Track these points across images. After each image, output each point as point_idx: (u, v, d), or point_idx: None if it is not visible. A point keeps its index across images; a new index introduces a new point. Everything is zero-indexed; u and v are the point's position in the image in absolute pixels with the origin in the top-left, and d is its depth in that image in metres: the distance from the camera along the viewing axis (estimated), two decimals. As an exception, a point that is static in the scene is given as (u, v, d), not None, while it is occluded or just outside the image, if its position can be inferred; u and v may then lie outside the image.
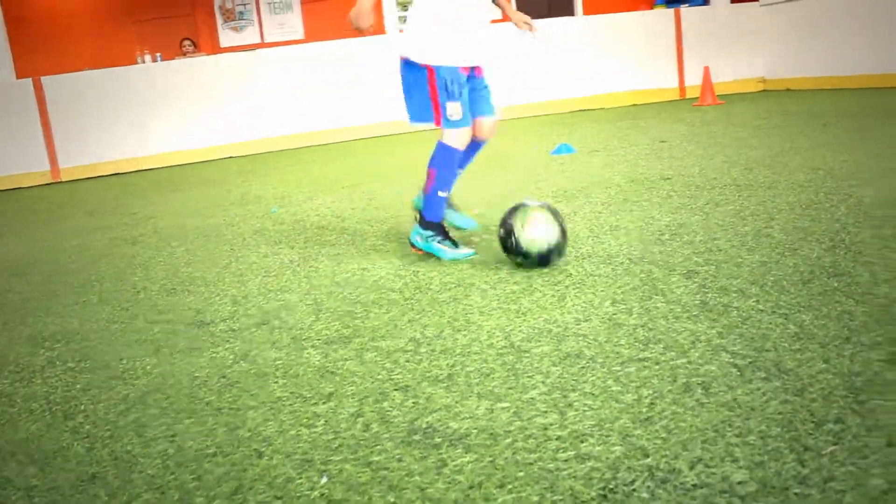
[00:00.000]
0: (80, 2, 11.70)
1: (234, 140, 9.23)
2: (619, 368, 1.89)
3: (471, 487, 1.44)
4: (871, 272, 2.42)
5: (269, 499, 1.49)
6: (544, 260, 2.83)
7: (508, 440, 1.59)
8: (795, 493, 1.32)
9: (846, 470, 1.37)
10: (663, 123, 7.69)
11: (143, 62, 9.87)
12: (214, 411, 1.93)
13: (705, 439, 1.52)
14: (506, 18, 3.48)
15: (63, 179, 8.57)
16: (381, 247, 3.51)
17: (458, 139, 3.11)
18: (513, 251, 2.86)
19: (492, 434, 1.63)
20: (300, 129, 9.49)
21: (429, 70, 3.05)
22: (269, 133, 9.36)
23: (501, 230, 2.89)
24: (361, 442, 1.67)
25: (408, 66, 3.13)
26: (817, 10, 9.89)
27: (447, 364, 2.04)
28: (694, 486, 1.37)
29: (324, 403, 1.89)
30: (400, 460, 1.57)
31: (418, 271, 3.01)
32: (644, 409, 1.67)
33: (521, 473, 1.46)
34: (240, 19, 12.15)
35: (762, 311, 2.19)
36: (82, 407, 2.04)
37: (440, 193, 3.17)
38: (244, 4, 12.12)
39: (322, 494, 1.48)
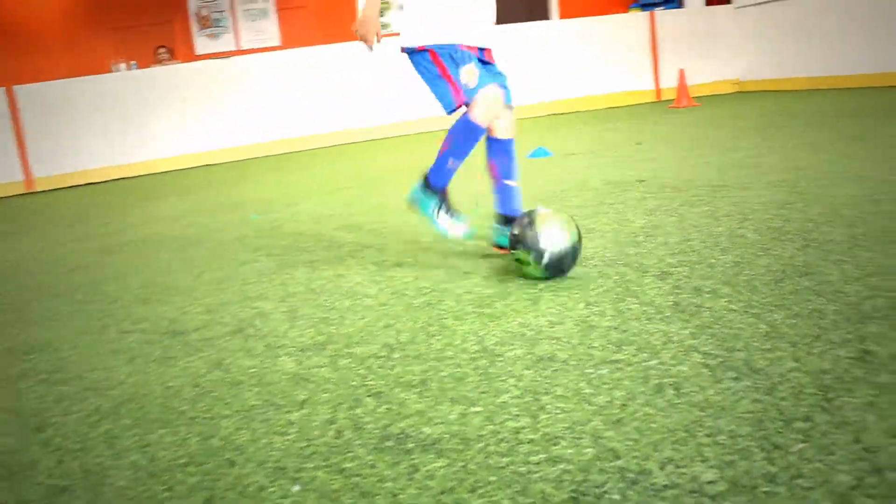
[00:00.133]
0: (54, 10, 11.61)
1: (213, 147, 9.20)
2: (591, 371, 1.90)
3: (442, 492, 1.43)
4: (842, 271, 2.44)
5: (240, 508, 1.48)
6: (559, 263, 2.68)
7: (480, 444, 1.59)
8: (764, 492, 1.33)
9: (814, 467, 1.38)
10: (639, 126, 7.73)
11: (118, 70, 9.81)
12: (187, 421, 1.91)
13: (676, 440, 1.53)
14: None
15: (37, 189, 8.51)
16: (357, 253, 3.51)
17: (485, 111, 2.86)
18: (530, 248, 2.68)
19: (464, 439, 1.63)
20: (279, 135, 9.47)
21: (430, 52, 2.89)
22: (247, 140, 9.35)
23: (517, 229, 2.74)
24: (334, 449, 1.67)
25: (412, 57, 2.97)
26: (790, 13, 9.99)
27: (420, 369, 2.04)
28: (664, 486, 1.38)
29: (297, 411, 1.89)
30: (372, 467, 1.57)
31: (393, 276, 3.01)
32: (616, 411, 1.67)
33: (493, 477, 1.46)
34: (216, 26, 12.11)
35: (734, 310, 2.21)
36: (54, 420, 2.02)
37: (451, 162, 2.98)
38: (220, 12, 12.08)
39: (294, 503, 1.47)
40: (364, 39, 2.87)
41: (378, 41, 2.89)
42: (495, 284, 2.74)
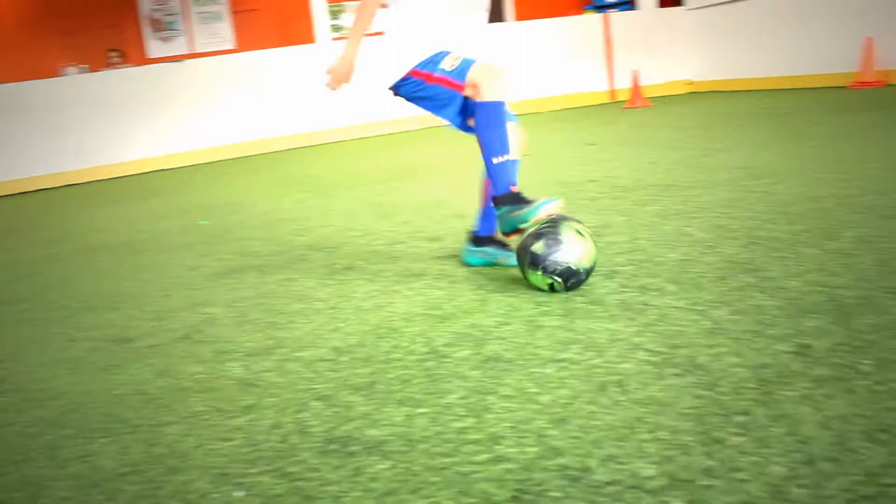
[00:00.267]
0: (0, 13, 11.40)
1: (165, 152, 9.10)
2: (537, 370, 1.91)
3: (385, 494, 1.43)
4: (784, 267, 2.49)
5: (182, 515, 1.47)
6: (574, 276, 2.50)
7: (425, 446, 1.60)
8: (702, 485, 1.35)
9: (750, 459, 1.41)
10: (593, 126, 7.80)
11: (68, 74, 9.65)
12: (131, 429, 1.89)
13: (618, 437, 1.54)
14: None
15: (-15, 197, 8.34)
16: (308, 257, 3.49)
17: (489, 82, 2.62)
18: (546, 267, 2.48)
19: (409, 440, 1.63)
20: (231, 140, 9.39)
21: (413, 73, 2.76)
22: (199, 145, 9.25)
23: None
24: (279, 453, 1.66)
25: (404, 88, 2.82)
26: (741, 14, 10.15)
27: (368, 372, 2.04)
28: (605, 483, 1.39)
29: (243, 416, 1.87)
30: (316, 470, 1.56)
31: (344, 280, 3.00)
32: (560, 410, 1.69)
33: (436, 478, 1.47)
34: (169, 29, 11.97)
35: (679, 308, 2.24)
36: (-6, 430, 1.98)
37: (496, 159, 2.64)
38: (173, 15, 11.95)
39: (236, 508, 1.47)
40: (331, 85, 2.79)
41: (346, 83, 2.80)
42: (445, 286, 2.74)
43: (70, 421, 1.98)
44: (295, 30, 11.34)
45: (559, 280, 2.47)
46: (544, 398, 1.75)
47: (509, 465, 1.48)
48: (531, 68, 10.52)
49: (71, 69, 9.97)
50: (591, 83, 10.94)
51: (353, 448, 1.63)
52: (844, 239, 2.71)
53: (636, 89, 9.74)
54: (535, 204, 2.56)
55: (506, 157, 2.64)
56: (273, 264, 3.43)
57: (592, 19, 11.10)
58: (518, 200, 2.60)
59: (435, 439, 1.62)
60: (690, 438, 1.51)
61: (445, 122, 2.83)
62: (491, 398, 1.78)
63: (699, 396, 1.68)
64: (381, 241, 3.61)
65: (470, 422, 1.68)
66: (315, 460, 1.60)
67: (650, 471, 1.41)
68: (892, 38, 8.14)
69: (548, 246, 2.47)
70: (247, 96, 9.43)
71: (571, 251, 2.46)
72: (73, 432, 1.91)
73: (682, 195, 3.79)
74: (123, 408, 2.03)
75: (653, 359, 1.90)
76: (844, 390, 1.63)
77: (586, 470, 1.44)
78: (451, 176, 5.42)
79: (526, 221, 2.56)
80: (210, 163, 9.02)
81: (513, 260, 2.84)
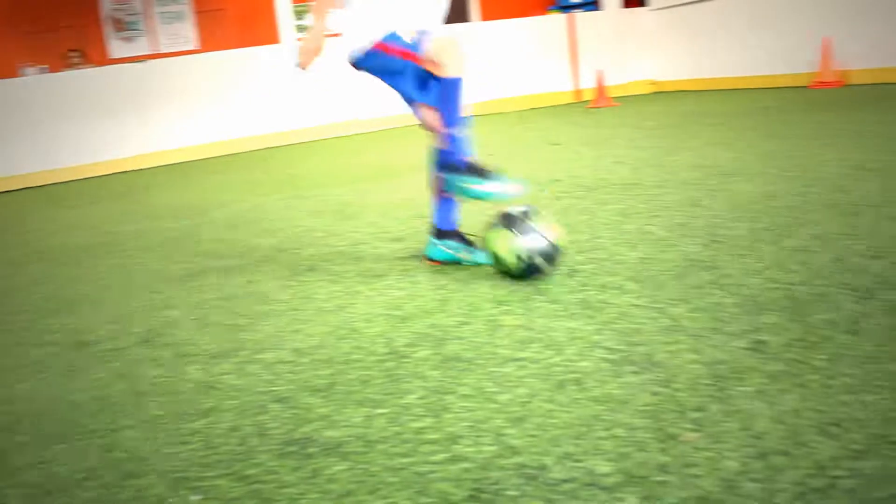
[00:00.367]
0: (-43, 14, 11.19)
1: (128, 154, 8.99)
2: (496, 369, 1.92)
3: (342, 496, 1.43)
4: (743, 264, 2.52)
5: (137, 521, 1.45)
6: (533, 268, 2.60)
7: (383, 446, 1.60)
8: (656, 481, 1.36)
9: (704, 455, 1.42)
10: (558, 126, 7.84)
11: (28, 75, 9.51)
12: (88, 434, 1.87)
13: (575, 434, 1.55)
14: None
15: (-58, 200, 8.19)
16: (271, 258, 3.47)
17: (448, 56, 2.64)
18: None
19: (367, 441, 1.63)
20: (195, 141, 9.31)
21: (377, 46, 2.75)
22: (161, 146, 9.15)
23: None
24: (237, 456, 1.65)
25: (362, 61, 2.82)
26: (703, 15, 10.25)
27: (328, 373, 2.03)
28: (561, 480, 1.40)
29: (202, 419, 1.86)
30: (274, 472, 1.55)
31: (306, 281, 2.99)
32: (518, 409, 1.69)
33: (394, 479, 1.47)
34: (130, 29, 11.83)
35: (638, 306, 2.26)
36: (-54, 439, 1.95)
37: (455, 131, 2.75)
38: (134, 14, 11.81)
39: (193, 512, 1.45)
40: (303, 62, 2.79)
41: (315, 59, 2.80)
42: (407, 286, 2.74)
43: (25, 427, 1.95)
44: (259, 30, 11.25)
45: (540, 258, 2.58)
46: (503, 397, 1.76)
47: (467, 465, 1.49)
48: (496, 68, 10.54)
49: (30, 69, 9.80)
50: (557, 83, 10.98)
51: (311, 450, 1.62)
52: (802, 236, 2.75)
53: (601, 89, 9.80)
54: (495, 178, 2.72)
55: (463, 131, 2.77)
56: (236, 266, 3.41)
57: (557, 19, 11.15)
58: (477, 171, 2.74)
59: (393, 440, 1.62)
60: (646, 435, 1.52)
61: (400, 94, 2.87)
62: (450, 398, 1.79)
63: (656, 393, 1.69)
64: (344, 241, 3.60)
65: (428, 422, 1.68)
66: (273, 462, 1.60)
67: (606, 468, 1.42)
68: (850, 39, 8.27)
69: (528, 226, 2.62)
70: (211, 97, 9.35)
71: (549, 232, 2.62)
72: (28, 439, 1.88)
73: (644, 194, 3.82)
74: (81, 413, 2.00)
75: (611, 356, 1.92)
76: (797, 385, 1.65)
77: (543, 468, 1.44)
78: (418, 176, 5.41)
79: (481, 199, 2.72)
80: (174, 164, 8.92)
81: (477, 257, 2.86)
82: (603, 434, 1.54)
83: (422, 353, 2.08)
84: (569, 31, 10.97)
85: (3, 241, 5.01)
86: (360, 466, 1.53)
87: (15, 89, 8.67)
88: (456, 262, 2.95)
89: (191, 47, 11.81)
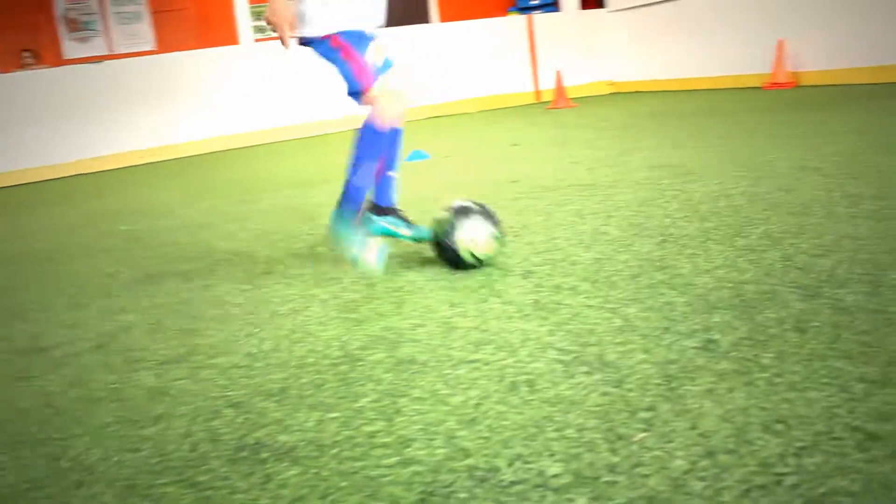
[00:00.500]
0: None
1: (83, 156, 8.86)
2: (449, 371, 1.92)
3: (294, 501, 1.43)
4: (694, 264, 2.55)
5: (84, 530, 1.44)
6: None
7: (335, 450, 1.59)
8: (605, 482, 1.38)
9: (653, 455, 1.44)
10: (517, 127, 7.88)
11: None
12: (35, 443, 1.84)
13: (526, 436, 1.56)
14: None
15: None
16: (227, 261, 3.44)
17: (391, 101, 2.80)
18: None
19: (319, 445, 1.62)
20: (152, 143, 9.20)
21: (331, 39, 2.77)
22: (118, 149, 9.04)
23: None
24: (188, 463, 1.63)
25: (317, 46, 2.82)
26: (661, 16, 10.38)
27: (281, 377, 2.02)
28: (511, 482, 1.41)
29: (153, 426, 1.84)
30: (225, 479, 1.54)
31: (262, 284, 2.97)
32: (470, 410, 1.70)
33: (345, 483, 1.47)
34: (86, 30, 11.66)
35: (591, 306, 2.28)
36: None
37: (357, 181, 2.87)
38: (90, 14, 11.64)
39: (141, 521, 1.44)
40: (279, 31, 2.69)
41: (291, 31, 2.74)
42: (362, 289, 2.74)
43: (-30, 437, 1.92)
44: (217, 31, 11.15)
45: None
46: (455, 399, 1.76)
47: (418, 468, 1.49)
48: (457, 70, 10.57)
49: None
50: (517, 84, 11.04)
51: (263, 455, 1.61)
52: (752, 235, 2.79)
53: (560, 90, 9.87)
54: (365, 244, 2.85)
55: (365, 185, 2.88)
56: (192, 270, 3.37)
57: (516, 20, 11.21)
58: (361, 216, 2.88)
59: (345, 444, 1.62)
60: (596, 435, 1.54)
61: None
62: (403, 401, 1.79)
63: (606, 394, 1.71)
64: (301, 244, 3.59)
65: (380, 425, 1.68)
66: (225, 468, 1.58)
67: (556, 469, 1.43)
68: (803, 41, 8.43)
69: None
70: (169, 98, 9.25)
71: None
72: (-27, 449, 1.84)
73: (600, 194, 3.86)
74: (29, 421, 1.97)
75: (563, 357, 1.93)
76: (745, 383, 1.68)
77: (494, 470, 1.45)
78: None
79: (353, 241, 2.84)
80: (130, 167, 8.82)
81: (418, 233, 3.00)
82: (554, 435, 1.55)
83: (376, 356, 2.08)
84: (528, 32, 11.02)
85: (-48, 245, 4.90)
86: (311, 471, 1.52)
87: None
88: (393, 237, 3.06)
89: (147, 48, 11.68)
